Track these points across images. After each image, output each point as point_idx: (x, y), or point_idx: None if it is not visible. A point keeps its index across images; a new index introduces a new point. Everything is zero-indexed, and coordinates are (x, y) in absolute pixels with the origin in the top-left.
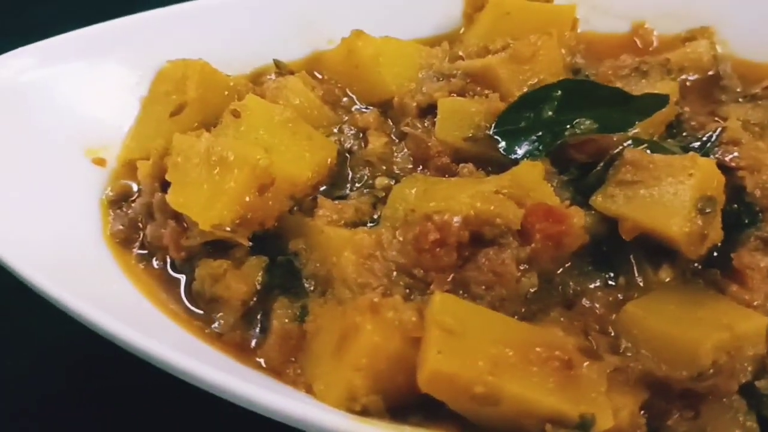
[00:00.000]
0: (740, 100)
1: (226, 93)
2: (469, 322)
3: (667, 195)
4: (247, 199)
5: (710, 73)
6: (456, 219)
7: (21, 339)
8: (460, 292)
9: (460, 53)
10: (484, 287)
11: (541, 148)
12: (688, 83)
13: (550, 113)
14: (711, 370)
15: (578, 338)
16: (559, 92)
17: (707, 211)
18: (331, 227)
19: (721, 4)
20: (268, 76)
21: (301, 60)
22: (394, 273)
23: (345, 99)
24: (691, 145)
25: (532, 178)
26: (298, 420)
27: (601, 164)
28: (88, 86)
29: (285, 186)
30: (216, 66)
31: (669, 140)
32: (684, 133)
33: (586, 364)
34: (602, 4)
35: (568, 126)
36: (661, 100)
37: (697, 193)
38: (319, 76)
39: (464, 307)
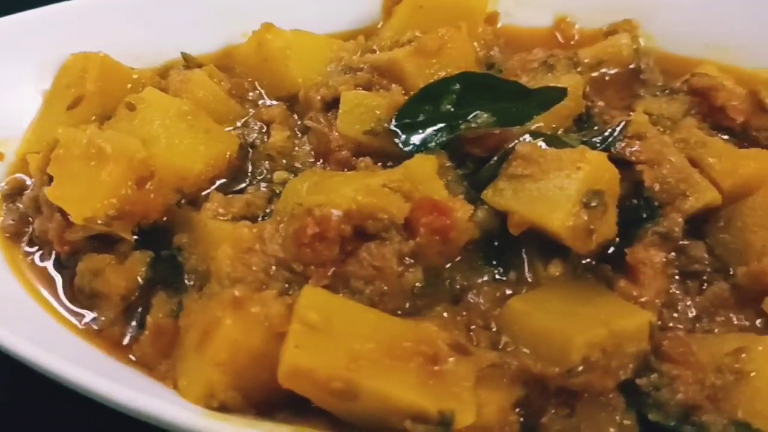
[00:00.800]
0: (658, 93)
1: (129, 86)
2: (336, 317)
3: (553, 189)
4: (125, 191)
5: (631, 66)
6: (336, 213)
7: None
8: (341, 287)
9: (375, 47)
10: (363, 282)
11: (437, 141)
12: (607, 77)
13: (449, 107)
14: (580, 367)
15: (452, 333)
16: (458, 86)
17: (593, 205)
18: (215, 221)
19: None
20: (177, 69)
21: (214, 53)
22: (273, 267)
23: (254, 93)
24: (594, 139)
25: (423, 172)
26: (144, 414)
27: (495, 158)
28: None
29: (171, 179)
30: (125, 59)
31: (572, 134)
32: (595, 127)
33: (452, 359)
34: None
35: (466, 119)
36: (558, 94)
37: (583, 187)
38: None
39: (333, 301)
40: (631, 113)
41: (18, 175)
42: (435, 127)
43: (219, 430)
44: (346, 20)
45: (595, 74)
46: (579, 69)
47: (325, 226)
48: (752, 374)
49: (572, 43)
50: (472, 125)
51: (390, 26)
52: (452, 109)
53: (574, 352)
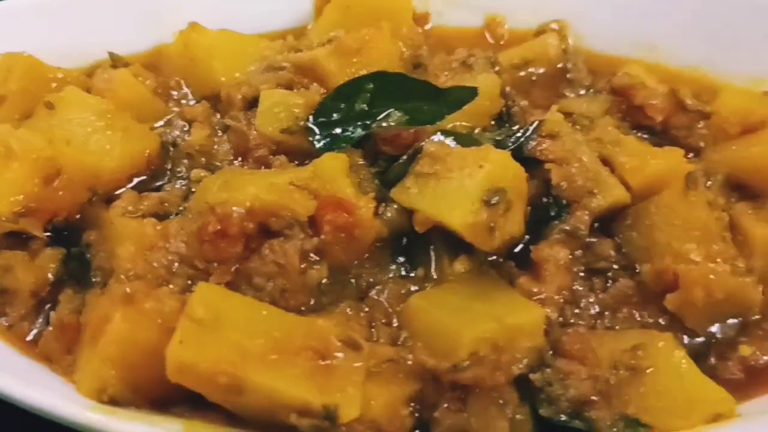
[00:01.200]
0: (582, 93)
1: (54, 85)
2: (226, 313)
3: (455, 187)
4: (31, 189)
5: (559, 66)
6: (237, 210)
7: None
8: (243, 283)
9: (301, 46)
10: (266, 278)
11: (349, 139)
12: (534, 77)
13: (363, 105)
14: (467, 362)
15: (346, 329)
16: (372, 85)
17: (495, 203)
18: (121, 218)
19: None
20: (104, 68)
21: (145, 52)
22: (176, 264)
23: (180, 92)
24: (510, 138)
25: (331, 170)
26: (36, 408)
27: (405, 157)
28: None
29: (81, 177)
30: (54, 59)
31: (487, 133)
32: (515, 126)
33: (341, 355)
34: None
35: (378, 118)
36: (469, 93)
37: (485, 185)
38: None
39: (225, 297)
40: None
41: None
42: (349, 126)
43: (104, 424)
44: (280, 20)
45: (522, 73)
46: (497, 69)
47: (227, 223)
48: (648, 370)
49: (502, 43)
50: (384, 124)
51: (318, 26)
52: (366, 108)
53: (461, 348)
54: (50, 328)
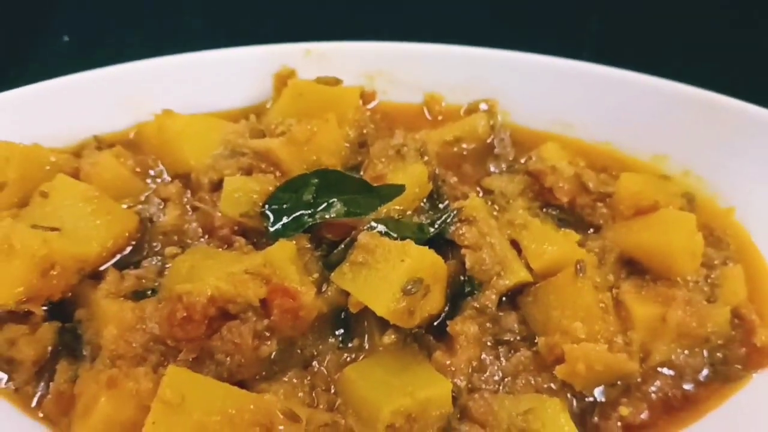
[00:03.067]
0: (503, 169)
1: (48, 168)
2: (190, 394)
3: (381, 278)
4: (30, 281)
5: (488, 141)
6: (201, 299)
7: None
8: (207, 359)
9: (262, 127)
10: (225, 355)
11: (297, 227)
12: (465, 152)
13: (309, 197)
14: None
15: (289, 402)
16: (316, 180)
17: (413, 291)
18: (107, 300)
19: (502, 80)
20: (90, 148)
21: (126, 130)
22: (151, 342)
23: (156, 169)
24: (434, 221)
25: (280, 259)
26: None
27: (342, 245)
28: None
29: (72, 265)
30: (46, 141)
31: (415, 218)
32: (445, 202)
33: (282, 428)
34: (398, 78)
35: (322, 207)
36: (396, 190)
37: (404, 277)
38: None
39: (190, 380)
40: (471, 194)
41: None
42: (296, 214)
43: None
44: (245, 97)
45: (455, 149)
46: (425, 159)
47: (192, 310)
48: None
49: (439, 118)
50: (326, 216)
51: (276, 109)
52: (312, 200)
53: (380, 420)
54: (50, 396)
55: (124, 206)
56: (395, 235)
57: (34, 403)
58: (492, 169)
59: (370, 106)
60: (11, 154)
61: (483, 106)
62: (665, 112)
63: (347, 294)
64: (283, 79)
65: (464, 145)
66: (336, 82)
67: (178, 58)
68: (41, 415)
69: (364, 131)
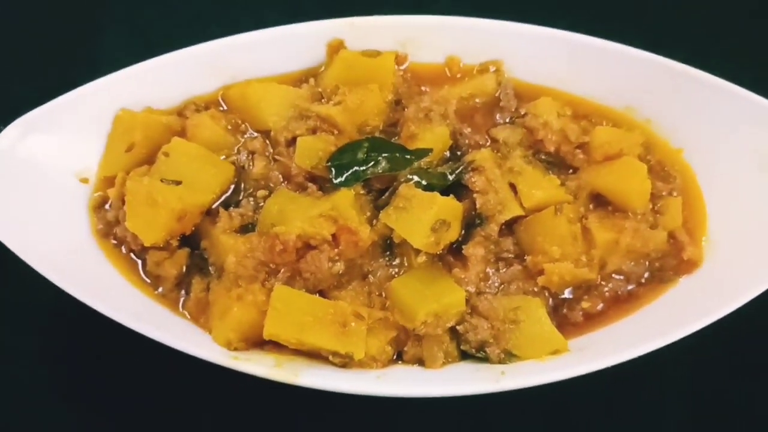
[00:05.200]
0: (508, 121)
1: (162, 129)
2: (291, 303)
3: (416, 219)
4: (171, 226)
5: (496, 95)
6: (292, 237)
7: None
8: (297, 276)
9: (320, 90)
10: (309, 273)
11: (355, 179)
12: (477, 105)
13: (362, 156)
14: (422, 326)
15: (355, 305)
16: (367, 144)
17: (438, 229)
18: (224, 234)
19: (508, 45)
20: (190, 110)
21: (215, 92)
22: (259, 265)
23: (242, 126)
24: (456, 171)
25: (344, 205)
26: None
27: (387, 192)
28: (70, 134)
29: (196, 209)
30: (154, 105)
31: (440, 167)
32: (461, 150)
33: (353, 323)
34: (424, 44)
35: (371, 164)
36: (426, 152)
37: (432, 219)
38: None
39: (290, 294)
40: (481, 143)
41: (99, 193)
42: (353, 169)
43: (232, 363)
44: (302, 62)
45: (470, 103)
46: (447, 121)
47: (285, 244)
48: (522, 323)
49: (458, 76)
50: (375, 170)
51: (329, 74)
52: (364, 157)
53: (417, 319)
54: (190, 301)
55: (222, 158)
56: (425, 183)
57: (180, 307)
58: (498, 119)
59: (403, 67)
60: (134, 119)
61: (491, 68)
62: (636, 75)
63: (392, 229)
64: (335, 48)
65: (477, 100)
66: (377, 54)
67: (251, 34)
68: (186, 313)
69: (399, 90)
